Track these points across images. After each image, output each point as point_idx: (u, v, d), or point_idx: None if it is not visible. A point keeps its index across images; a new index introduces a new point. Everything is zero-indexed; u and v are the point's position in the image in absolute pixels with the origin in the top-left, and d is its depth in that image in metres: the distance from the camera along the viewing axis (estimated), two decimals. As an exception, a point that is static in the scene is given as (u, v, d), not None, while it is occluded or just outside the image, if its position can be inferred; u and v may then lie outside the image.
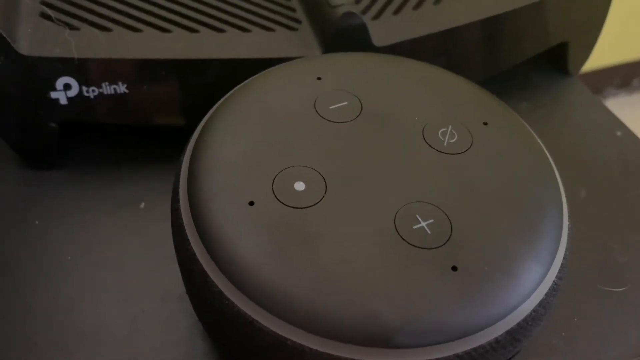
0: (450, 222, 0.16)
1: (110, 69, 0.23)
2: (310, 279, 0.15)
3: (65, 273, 0.22)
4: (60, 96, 0.23)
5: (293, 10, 0.26)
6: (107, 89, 0.23)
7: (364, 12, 0.26)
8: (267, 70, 0.20)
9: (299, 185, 0.17)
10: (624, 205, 0.26)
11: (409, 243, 0.15)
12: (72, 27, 0.23)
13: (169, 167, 0.24)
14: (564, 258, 0.16)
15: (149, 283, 0.22)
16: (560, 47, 0.30)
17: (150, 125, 0.25)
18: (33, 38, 0.22)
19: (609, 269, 0.23)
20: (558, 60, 0.32)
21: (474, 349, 0.14)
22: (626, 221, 0.25)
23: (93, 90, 0.23)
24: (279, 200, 0.16)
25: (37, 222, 0.23)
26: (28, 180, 0.25)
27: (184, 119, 0.25)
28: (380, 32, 0.25)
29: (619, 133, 0.29)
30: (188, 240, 0.16)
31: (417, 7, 0.26)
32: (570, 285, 0.22)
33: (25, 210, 0.24)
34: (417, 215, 0.16)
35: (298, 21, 0.25)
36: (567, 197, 0.18)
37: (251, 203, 0.16)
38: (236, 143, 0.18)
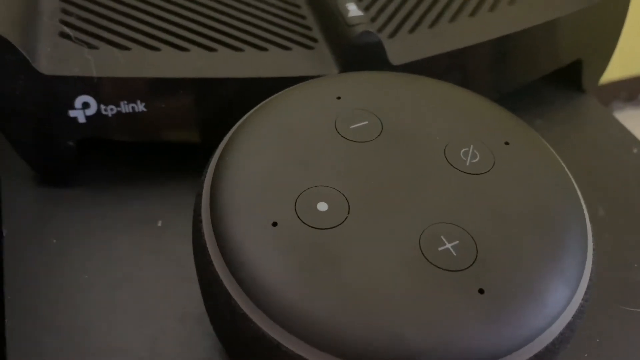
0: (476, 244, 0.16)
1: (128, 87, 0.23)
2: (336, 301, 0.14)
3: (82, 293, 0.22)
4: (78, 115, 0.23)
5: (309, 29, 0.26)
6: (126, 107, 0.23)
7: (380, 30, 0.26)
8: (286, 90, 0.20)
9: (322, 206, 0.16)
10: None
11: (434, 265, 0.15)
12: (91, 46, 0.23)
13: (185, 184, 0.24)
14: (590, 279, 0.16)
15: (167, 303, 0.21)
16: (575, 64, 0.30)
17: (168, 143, 0.25)
18: (52, 57, 0.22)
19: (630, 288, 0.23)
20: (572, 77, 0.32)
21: (502, 374, 0.14)
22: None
23: (111, 109, 0.23)
24: (302, 221, 0.16)
25: (54, 241, 0.23)
26: (45, 198, 0.25)
27: (201, 137, 0.25)
28: (397, 51, 0.25)
29: (635, 150, 0.29)
30: (211, 261, 0.16)
31: (432, 25, 0.26)
32: (591, 305, 0.22)
33: (42, 228, 0.24)
34: (442, 237, 0.16)
35: (314, 40, 0.25)
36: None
37: (274, 224, 0.16)
38: (258, 163, 0.17)
